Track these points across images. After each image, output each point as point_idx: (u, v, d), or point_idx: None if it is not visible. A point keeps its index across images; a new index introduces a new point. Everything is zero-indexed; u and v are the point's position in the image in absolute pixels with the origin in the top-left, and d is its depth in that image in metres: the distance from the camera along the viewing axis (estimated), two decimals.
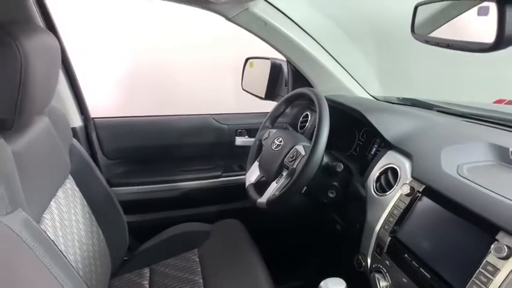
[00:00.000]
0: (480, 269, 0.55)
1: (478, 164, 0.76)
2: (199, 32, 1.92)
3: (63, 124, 0.99)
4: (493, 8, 0.45)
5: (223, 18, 1.13)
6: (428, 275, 0.63)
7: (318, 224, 1.38)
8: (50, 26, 1.11)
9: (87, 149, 1.30)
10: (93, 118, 1.35)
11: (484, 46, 0.49)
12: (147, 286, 1.05)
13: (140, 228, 1.34)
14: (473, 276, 0.56)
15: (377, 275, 0.75)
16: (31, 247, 0.63)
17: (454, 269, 0.60)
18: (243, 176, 1.16)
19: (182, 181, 1.45)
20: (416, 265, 0.66)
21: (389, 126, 0.97)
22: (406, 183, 0.76)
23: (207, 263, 1.11)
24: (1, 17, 0.97)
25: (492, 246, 0.54)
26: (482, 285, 0.54)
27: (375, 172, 0.89)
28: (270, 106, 1.25)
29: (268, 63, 1.46)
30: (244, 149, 1.28)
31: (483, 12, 0.50)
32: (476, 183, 0.66)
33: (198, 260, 1.12)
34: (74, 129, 1.23)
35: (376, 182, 0.87)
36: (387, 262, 0.74)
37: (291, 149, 0.98)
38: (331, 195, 0.98)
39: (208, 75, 2.02)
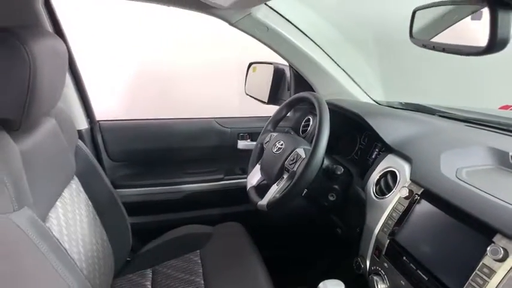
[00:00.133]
0: (476, 271, 0.56)
1: (478, 167, 0.76)
2: (203, 36, 1.94)
3: (69, 126, 1.01)
4: (486, 12, 0.47)
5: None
6: (425, 277, 0.64)
7: (319, 227, 1.39)
8: (58, 30, 1.14)
9: (92, 151, 1.32)
10: (98, 121, 1.37)
11: (477, 50, 0.50)
12: (150, 287, 1.06)
13: (143, 229, 1.36)
14: (470, 279, 0.56)
15: (375, 277, 0.75)
16: (36, 244, 0.65)
17: (452, 272, 0.61)
18: (245, 179, 1.17)
19: (185, 183, 1.46)
20: (414, 267, 0.67)
21: (389, 130, 0.98)
22: (405, 186, 0.76)
23: (209, 264, 1.12)
24: (11, 22, 1.00)
25: (488, 248, 0.55)
26: None
27: (375, 175, 0.90)
28: (272, 110, 1.26)
29: (271, 68, 1.47)
30: (247, 152, 1.30)
31: (477, 16, 0.51)
32: (475, 187, 0.66)
33: (199, 261, 1.14)
34: (79, 132, 1.25)
35: (376, 185, 0.88)
36: (386, 264, 0.74)
37: (291, 152, 0.99)
38: (331, 198, 0.99)
39: (212, 79, 2.04)
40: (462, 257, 0.60)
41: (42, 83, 0.70)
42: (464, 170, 0.74)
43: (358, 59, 1.44)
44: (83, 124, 1.30)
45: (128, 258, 1.21)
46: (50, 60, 0.73)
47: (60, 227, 0.84)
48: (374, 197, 0.86)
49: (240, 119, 1.56)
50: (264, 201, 0.97)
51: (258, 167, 1.15)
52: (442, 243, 0.65)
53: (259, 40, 1.21)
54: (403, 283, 0.69)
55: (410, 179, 0.78)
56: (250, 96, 1.59)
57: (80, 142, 1.08)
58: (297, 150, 0.98)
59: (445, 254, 0.63)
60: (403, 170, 0.82)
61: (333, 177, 0.96)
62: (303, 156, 0.95)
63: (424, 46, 0.64)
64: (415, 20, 0.68)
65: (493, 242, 0.56)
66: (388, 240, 0.75)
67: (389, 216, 0.77)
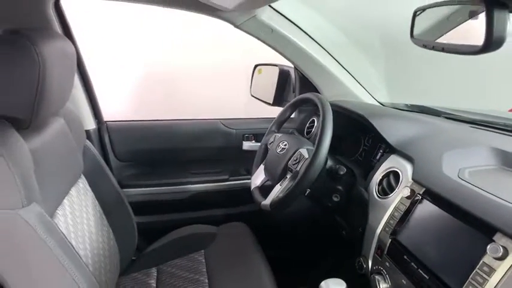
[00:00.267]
0: (477, 269, 0.56)
1: (480, 168, 0.76)
2: (209, 38, 1.96)
3: (77, 126, 1.04)
4: (482, 11, 0.47)
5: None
6: (426, 276, 0.64)
7: (323, 228, 1.39)
8: (67, 32, 1.16)
9: (99, 151, 1.34)
10: (106, 121, 1.40)
11: (474, 49, 0.51)
12: (154, 285, 1.08)
13: (149, 229, 1.38)
14: (470, 277, 0.56)
15: (377, 277, 0.75)
16: (44, 239, 0.66)
17: (452, 270, 0.61)
18: (250, 180, 1.18)
19: (190, 184, 1.48)
20: (415, 266, 0.67)
21: (393, 130, 0.98)
22: (407, 186, 0.77)
23: (213, 264, 1.13)
24: (22, 24, 1.03)
25: (488, 246, 0.55)
26: (478, 286, 0.55)
27: (378, 176, 0.90)
28: (277, 112, 1.27)
29: (276, 70, 1.48)
30: (252, 153, 1.31)
31: (474, 15, 0.52)
32: (477, 186, 0.66)
33: (204, 261, 1.15)
34: (87, 132, 1.28)
35: (379, 185, 0.88)
36: (387, 264, 0.75)
37: (295, 152, 1.00)
38: (335, 199, 0.99)
39: (218, 80, 2.06)
40: (463, 256, 0.60)
41: (51, 83, 0.72)
42: (466, 170, 0.74)
43: (362, 60, 1.44)
44: (90, 124, 1.32)
45: (134, 257, 1.22)
46: (58, 61, 0.75)
47: (67, 224, 0.86)
48: (376, 197, 0.86)
49: (245, 120, 1.57)
50: (267, 201, 0.98)
51: (262, 167, 1.15)
52: (443, 242, 0.65)
53: (264, 42, 1.23)
54: (405, 282, 0.69)
55: (412, 179, 0.78)
56: (256, 97, 1.60)
57: (88, 142, 1.10)
58: (300, 150, 0.99)
59: (446, 253, 0.63)
60: (406, 170, 0.82)
61: (336, 177, 0.97)
62: (306, 156, 0.95)
63: (424, 46, 0.64)
64: (416, 20, 0.68)
65: (493, 241, 0.56)
66: (390, 240, 0.75)
67: (391, 216, 0.77)
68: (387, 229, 0.77)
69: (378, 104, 1.39)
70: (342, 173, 0.94)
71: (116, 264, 1.08)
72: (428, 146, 0.87)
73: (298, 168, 0.95)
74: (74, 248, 0.78)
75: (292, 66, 1.39)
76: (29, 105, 0.69)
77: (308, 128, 1.40)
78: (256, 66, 1.61)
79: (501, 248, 0.53)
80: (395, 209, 0.77)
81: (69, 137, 0.96)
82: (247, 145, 1.50)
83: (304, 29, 1.22)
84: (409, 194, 0.74)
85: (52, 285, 0.71)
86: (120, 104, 1.94)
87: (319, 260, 1.53)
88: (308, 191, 0.95)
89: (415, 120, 1.07)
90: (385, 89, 1.47)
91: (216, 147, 1.52)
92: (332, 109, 0.96)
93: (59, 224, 0.81)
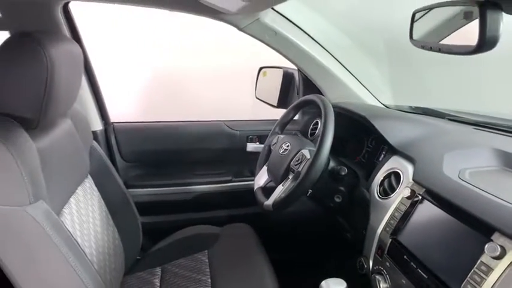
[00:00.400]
0: (475, 269, 0.56)
1: (481, 169, 0.76)
2: (216, 40, 1.97)
3: (84, 127, 1.06)
4: (476, 12, 0.48)
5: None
6: (425, 276, 0.64)
7: (327, 230, 1.39)
8: (75, 35, 1.19)
9: (106, 152, 1.37)
10: (112, 122, 1.43)
11: (468, 49, 0.51)
12: (158, 284, 1.09)
13: (154, 229, 1.39)
14: (468, 276, 0.56)
15: (378, 277, 0.76)
16: (50, 235, 0.68)
17: (451, 270, 0.61)
18: (254, 181, 1.19)
19: (195, 185, 1.49)
20: (415, 266, 0.67)
21: (395, 132, 0.99)
22: (407, 187, 0.77)
23: (216, 264, 1.14)
24: (32, 27, 1.06)
25: (486, 246, 0.55)
26: (476, 285, 0.55)
27: (379, 176, 0.90)
28: (281, 114, 1.28)
29: (280, 72, 1.49)
30: (255, 155, 1.32)
31: (469, 17, 0.53)
32: (477, 187, 0.66)
33: (207, 261, 1.16)
34: (94, 133, 1.30)
35: (380, 186, 0.89)
36: (388, 264, 0.75)
37: (297, 153, 1.00)
38: (337, 199, 1.00)
39: (224, 83, 2.07)
40: (462, 256, 0.60)
41: (59, 84, 0.74)
42: (467, 171, 0.74)
43: (366, 63, 1.44)
44: (97, 125, 1.35)
45: (139, 257, 1.24)
46: (66, 63, 0.77)
47: (73, 222, 0.88)
48: (378, 198, 0.86)
49: (249, 122, 1.59)
50: (269, 202, 0.99)
51: (265, 168, 1.17)
52: (442, 242, 0.65)
53: (268, 45, 1.24)
54: (404, 282, 0.69)
55: (413, 179, 0.78)
56: (260, 100, 1.61)
57: (95, 143, 1.12)
58: (302, 151, 1.00)
59: (445, 252, 0.63)
60: (406, 170, 0.83)
61: (338, 178, 0.97)
62: (308, 157, 0.96)
63: (423, 47, 0.65)
64: (416, 22, 0.69)
65: (491, 240, 0.56)
66: (390, 240, 0.75)
67: (392, 216, 0.77)
68: (388, 229, 0.77)
69: (382, 106, 1.39)
70: (343, 173, 0.95)
71: (121, 263, 1.09)
72: (429, 147, 0.87)
73: (300, 169, 0.95)
74: (79, 245, 0.80)
75: (296, 68, 1.40)
76: (37, 106, 0.72)
77: (312, 129, 1.41)
78: (261, 68, 1.63)
79: (499, 247, 0.53)
80: (396, 209, 0.77)
81: (76, 137, 0.98)
82: (251, 147, 1.51)
83: (307, 32, 1.23)
84: (409, 194, 0.75)
85: (58, 281, 0.73)
86: (127, 106, 1.96)
87: (323, 261, 1.53)
88: (310, 191, 0.96)
89: (417, 122, 1.07)
90: (390, 91, 1.47)
91: (220, 149, 1.54)
92: (335, 111, 0.97)
93: (65, 222, 0.83)
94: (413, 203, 0.74)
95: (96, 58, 1.34)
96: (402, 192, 0.77)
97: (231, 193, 1.53)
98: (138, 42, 1.92)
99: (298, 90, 1.47)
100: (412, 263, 0.68)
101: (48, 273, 0.71)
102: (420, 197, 0.73)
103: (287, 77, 1.48)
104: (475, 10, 0.48)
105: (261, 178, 1.15)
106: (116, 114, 1.47)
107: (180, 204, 1.49)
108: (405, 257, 0.70)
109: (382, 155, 1.06)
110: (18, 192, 0.66)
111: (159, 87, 2.03)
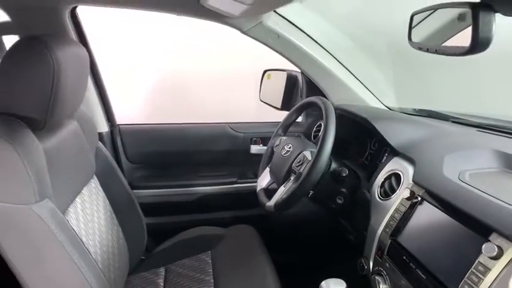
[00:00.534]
0: (472, 269, 0.56)
1: (482, 170, 0.76)
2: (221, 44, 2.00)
3: (90, 129, 1.08)
4: (469, 14, 0.48)
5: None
6: (424, 276, 0.64)
7: (330, 232, 1.39)
8: (82, 39, 1.22)
9: (111, 153, 1.39)
10: (118, 124, 1.45)
11: (462, 50, 0.52)
12: (162, 284, 1.10)
13: (158, 229, 1.41)
14: (466, 277, 0.57)
15: (377, 278, 0.76)
16: (55, 233, 0.70)
17: (449, 270, 0.61)
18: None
19: (199, 186, 1.51)
20: (414, 267, 0.67)
21: (396, 133, 0.99)
22: (407, 188, 0.77)
23: (219, 264, 1.15)
24: (41, 31, 1.09)
25: (483, 246, 0.55)
26: (473, 285, 0.55)
27: (380, 178, 0.91)
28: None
29: (284, 75, 1.50)
30: (259, 157, 1.32)
31: (463, 18, 0.53)
32: (476, 188, 0.66)
33: (210, 261, 1.17)
34: (100, 134, 1.33)
35: (381, 187, 0.89)
36: (387, 265, 0.75)
37: (298, 154, 1.01)
38: (339, 201, 1.00)
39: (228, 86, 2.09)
40: (460, 256, 0.60)
41: (65, 86, 0.76)
42: (467, 173, 0.74)
43: (369, 65, 1.45)
44: (103, 127, 1.37)
45: (143, 257, 1.26)
46: (72, 65, 0.79)
47: (78, 221, 0.89)
48: (378, 199, 0.87)
49: (253, 124, 1.60)
50: (271, 203, 1.00)
51: (267, 169, 1.17)
52: (441, 242, 0.65)
53: (271, 47, 1.25)
54: (404, 283, 0.69)
55: (413, 181, 0.78)
56: (265, 102, 1.63)
57: (100, 144, 1.14)
58: (303, 152, 1.00)
59: (444, 253, 0.64)
60: (407, 171, 0.83)
61: (340, 179, 0.97)
62: (309, 158, 0.97)
63: (420, 49, 0.65)
64: (413, 23, 0.70)
65: (489, 241, 0.56)
66: (390, 241, 0.75)
67: (392, 217, 0.78)
68: (387, 230, 0.77)
69: (385, 108, 1.39)
70: (344, 174, 0.95)
71: (125, 262, 1.11)
72: (430, 148, 0.87)
73: (301, 170, 0.96)
74: (84, 244, 0.82)
75: (300, 71, 1.41)
76: (43, 107, 0.74)
77: (315, 131, 1.41)
78: (265, 71, 1.64)
79: (496, 247, 0.53)
80: (396, 210, 0.78)
81: (82, 138, 1.00)
82: (254, 149, 1.52)
83: (310, 34, 1.24)
84: (408, 195, 0.75)
85: (62, 278, 0.74)
86: (135, 108, 1.99)
87: (325, 263, 1.53)
88: (311, 192, 0.96)
89: (420, 124, 1.07)
90: (393, 94, 1.47)
91: (224, 151, 1.55)
92: (337, 113, 0.97)
93: (71, 221, 0.85)
94: (412, 204, 0.74)
95: (105, 61, 1.37)
96: (402, 193, 0.78)
97: (235, 195, 1.54)
98: (145, 45, 1.94)
99: (302, 93, 1.47)
100: (411, 264, 0.68)
101: (53, 270, 0.73)
102: (419, 198, 0.73)
103: (291, 80, 1.49)
104: (468, 12, 0.48)
105: (264, 179, 1.16)
106: (124, 116, 1.50)
107: (184, 205, 1.51)
108: (404, 257, 0.70)
109: (385, 157, 1.06)
110: (24, 190, 0.68)
111: (165, 90, 2.06)
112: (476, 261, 0.56)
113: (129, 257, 1.14)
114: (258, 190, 1.14)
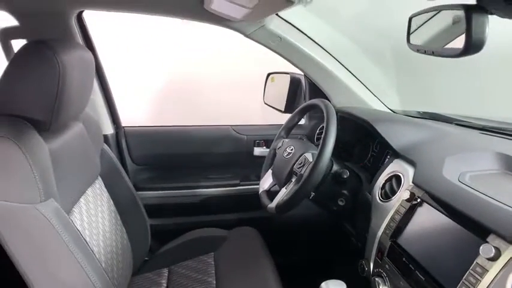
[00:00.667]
0: (470, 270, 0.56)
1: (482, 172, 0.76)
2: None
3: (95, 131, 1.10)
4: (463, 16, 0.49)
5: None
6: (423, 278, 0.64)
7: (333, 235, 1.39)
8: (88, 43, 1.25)
9: (116, 155, 1.40)
10: (123, 126, 1.47)
11: (456, 52, 0.52)
12: (165, 285, 1.11)
13: (162, 231, 1.42)
14: (464, 278, 0.57)
15: (377, 279, 0.76)
16: (59, 232, 0.72)
17: (448, 272, 0.61)
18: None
19: (202, 188, 1.52)
20: (413, 268, 0.67)
21: (398, 136, 0.99)
22: (407, 189, 0.77)
23: (221, 266, 1.15)
24: (48, 36, 1.11)
25: (481, 247, 0.55)
26: (471, 286, 0.55)
27: (381, 180, 0.91)
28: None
29: (287, 78, 1.51)
30: (262, 159, 1.33)
31: (457, 20, 0.54)
32: (476, 190, 0.66)
33: (213, 263, 1.17)
34: (105, 136, 1.34)
35: (382, 189, 0.89)
36: (387, 266, 0.75)
37: (300, 156, 1.02)
38: (340, 203, 1.00)
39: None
40: (458, 258, 0.60)
41: (70, 88, 0.78)
42: (468, 174, 0.74)
43: (372, 68, 1.45)
44: (108, 129, 1.39)
45: (147, 258, 1.27)
46: (77, 69, 0.81)
47: (82, 221, 0.91)
48: (379, 200, 0.87)
49: (256, 126, 1.61)
50: (273, 204, 1.00)
51: (270, 171, 1.18)
52: (440, 244, 0.65)
53: (274, 51, 1.26)
54: (403, 284, 0.69)
55: (413, 182, 0.79)
56: (268, 105, 1.64)
57: (105, 146, 1.16)
58: (305, 154, 1.01)
59: (443, 254, 0.64)
60: (407, 173, 0.83)
61: (341, 181, 0.98)
62: (311, 160, 0.97)
63: (418, 51, 0.66)
64: (412, 26, 0.70)
65: (487, 242, 0.56)
66: (390, 242, 0.76)
67: (392, 219, 0.78)
68: (387, 232, 0.78)
69: (388, 111, 1.39)
70: (345, 176, 0.95)
71: (128, 263, 1.12)
72: (431, 150, 0.87)
73: (302, 172, 0.97)
74: (87, 244, 0.83)
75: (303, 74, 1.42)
76: (49, 108, 0.75)
77: (318, 134, 1.42)
78: (269, 74, 1.65)
79: (493, 248, 0.53)
80: (396, 212, 0.78)
81: (87, 140, 1.02)
82: (258, 151, 1.53)
83: (312, 37, 1.25)
84: (408, 197, 0.75)
85: (66, 277, 0.75)
86: (144, 109, 2.01)
87: (327, 266, 1.53)
88: (313, 194, 0.97)
89: (422, 126, 1.07)
90: (397, 97, 1.47)
91: (228, 153, 1.56)
92: (340, 115, 0.98)
93: (75, 221, 0.87)
94: (412, 205, 0.74)
95: (114, 65, 1.38)
96: (402, 195, 0.78)
97: (238, 197, 1.54)
98: (153, 49, 1.97)
99: (305, 96, 1.48)
100: (410, 266, 0.68)
101: (57, 269, 0.74)
102: (419, 200, 0.73)
103: (294, 83, 1.50)
104: (462, 14, 0.49)
105: (266, 181, 1.17)
106: (133, 117, 1.51)
107: (188, 207, 1.52)
108: (404, 259, 0.70)
109: (387, 159, 1.06)
110: (29, 190, 0.69)
111: (172, 93, 2.08)
112: (474, 263, 0.56)
113: (132, 257, 1.15)
114: (260, 192, 1.15)
